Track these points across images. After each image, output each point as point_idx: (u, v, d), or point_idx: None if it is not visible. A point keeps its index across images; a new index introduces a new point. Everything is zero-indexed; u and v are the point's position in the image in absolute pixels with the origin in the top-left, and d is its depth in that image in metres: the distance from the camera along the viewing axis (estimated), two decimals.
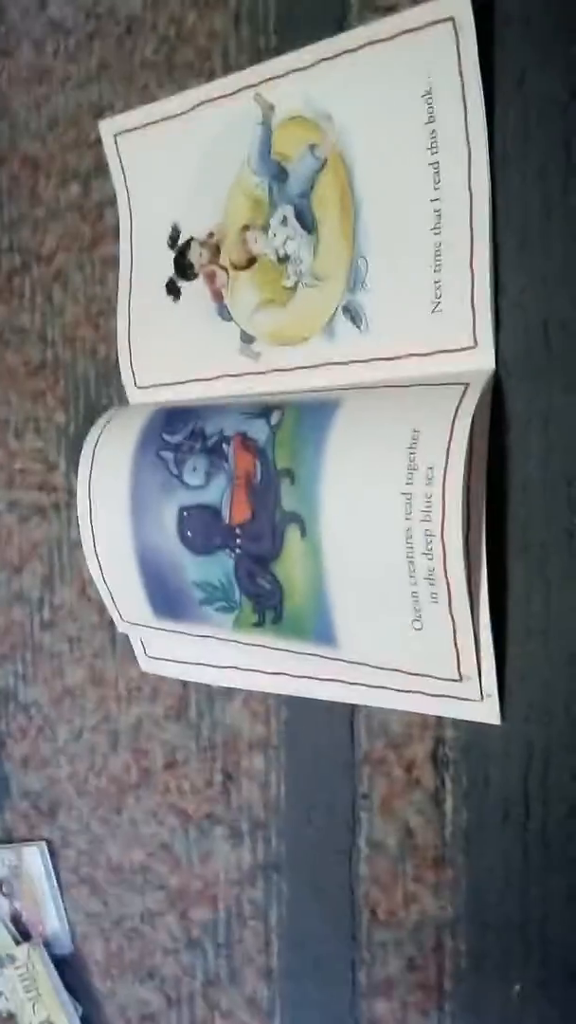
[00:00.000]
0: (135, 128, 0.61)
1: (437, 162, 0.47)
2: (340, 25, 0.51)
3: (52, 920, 0.76)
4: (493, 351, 0.47)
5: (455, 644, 0.47)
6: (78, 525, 0.63)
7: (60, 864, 0.76)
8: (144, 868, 0.69)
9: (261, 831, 0.61)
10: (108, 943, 0.73)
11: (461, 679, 0.48)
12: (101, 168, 0.65)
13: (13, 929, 0.79)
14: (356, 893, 0.56)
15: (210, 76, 0.58)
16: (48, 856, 0.76)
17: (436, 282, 0.48)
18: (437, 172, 0.47)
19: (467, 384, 0.46)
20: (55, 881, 0.76)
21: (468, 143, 0.46)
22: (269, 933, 0.61)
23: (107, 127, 0.63)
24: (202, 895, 0.65)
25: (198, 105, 0.57)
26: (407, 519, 0.45)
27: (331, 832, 0.57)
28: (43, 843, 0.76)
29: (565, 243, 0.44)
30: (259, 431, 0.53)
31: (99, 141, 0.64)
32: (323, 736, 0.57)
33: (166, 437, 0.57)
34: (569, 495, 0.45)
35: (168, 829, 0.66)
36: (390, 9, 0.49)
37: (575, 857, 0.46)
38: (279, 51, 0.54)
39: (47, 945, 0.77)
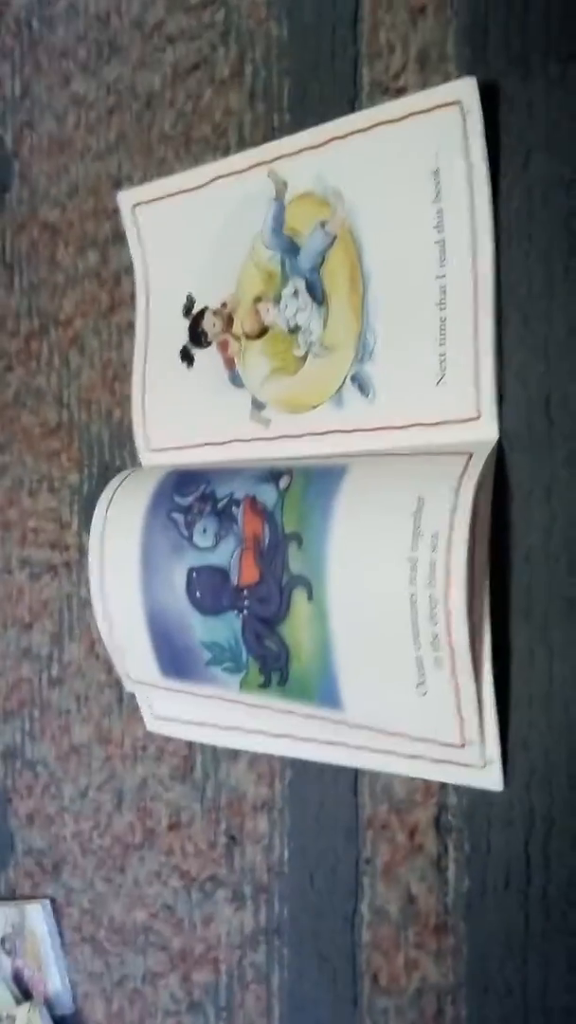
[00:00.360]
0: (153, 200, 0.63)
1: (443, 240, 0.49)
2: (352, 105, 0.53)
3: (54, 979, 0.76)
4: (496, 422, 0.48)
5: (458, 709, 0.47)
6: (88, 584, 0.63)
7: (63, 922, 0.76)
8: (147, 929, 0.68)
9: (264, 894, 0.61)
10: (109, 1004, 0.73)
11: (464, 745, 0.48)
12: (119, 237, 0.67)
13: (15, 988, 0.78)
14: (358, 959, 0.56)
15: (226, 151, 0.60)
16: (52, 914, 0.76)
17: (441, 355, 0.49)
18: (443, 249, 0.49)
19: (471, 454, 0.47)
20: (58, 940, 0.75)
21: (473, 222, 0.47)
22: (271, 997, 0.61)
23: (125, 198, 0.65)
24: (204, 957, 0.65)
25: (214, 180, 0.59)
26: (412, 584, 0.46)
27: (333, 897, 0.57)
28: (47, 901, 0.76)
29: (566, 320, 0.46)
30: (268, 495, 0.54)
31: (117, 211, 0.66)
32: (327, 799, 0.57)
33: (177, 499, 0.58)
34: (571, 564, 0.46)
35: (171, 890, 0.66)
36: (400, 91, 0.51)
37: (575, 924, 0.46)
38: (292, 129, 0.56)
39: (48, 1005, 0.76)
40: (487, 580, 0.47)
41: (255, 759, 0.61)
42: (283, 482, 0.54)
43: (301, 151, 0.54)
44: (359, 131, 0.52)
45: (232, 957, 0.63)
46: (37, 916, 0.76)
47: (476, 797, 0.50)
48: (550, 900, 0.47)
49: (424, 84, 0.50)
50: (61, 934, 0.76)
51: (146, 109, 0.65)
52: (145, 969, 0.69)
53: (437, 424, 0.50)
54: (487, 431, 0.48)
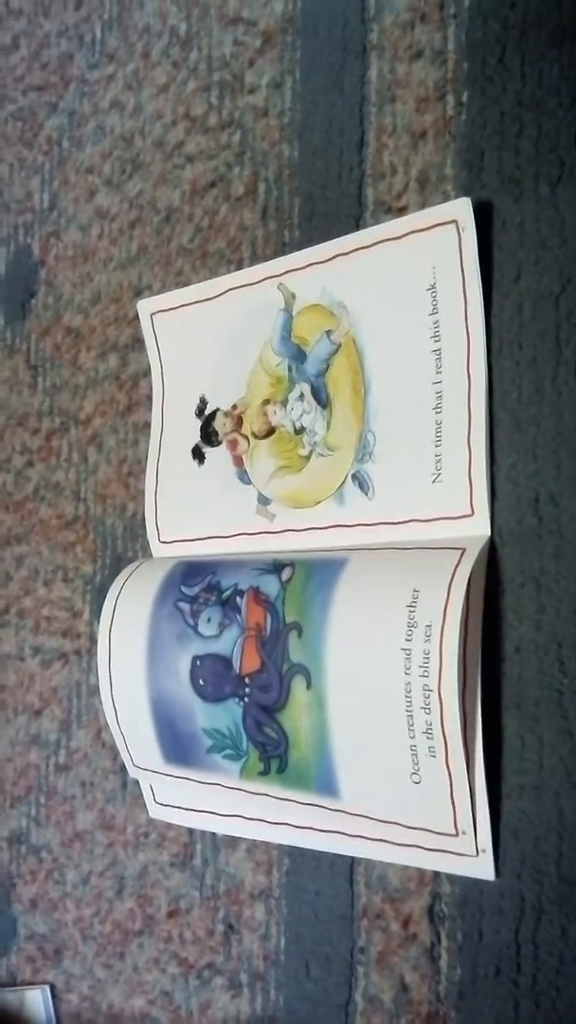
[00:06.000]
0: (170, 308, 0.67)
1: (439, 349, 0.52)
2: (357, 223, 0.57)
3: None
4: (489, 519, 0.50)
5: (452, 798, 0.48)
6: (97, 671, 0.65)
7: (62, 1009, 0.75)
8: (144, 1016, 0.68)
9: (260, 982, 0.61)
10: None
11: (457, 834, 0.49)
12: (138, 342, 0.70)
13: None
14: None
15: (239, 264, 0.63)
16: (51, 1000, 0.75)
17: (437, 455, 0.52)
18: (439, 358, 0.52)
19: (464, 549, 0.49)
20: None
21: (467, 332, 0.50)
22: None
23: (144, 306, 0.68)
24: None
25: (227, 291, 0.63)
26: (406, 674, 0.48)
27: (329, 985, 0.57)
28: (47, 987, 0.76)
29: (554, 424, 0.48)
30: (271, 586, 0.56)
31: (137, 318, 0.69)
32: (323, 888, 0.58)
33: (184, 589, 0.61)
34: (560, 656, 0.48)
35: (169, 977, 0.67)
36: (402, 210, 0.55)
37: (564, 1013, 0.47)
38: (301, 244, 0.59)
39: None
40: (479, 671, 0.49)
41: (254, 847, 0.62)
42: (285, 574, 0.56)
43: (309, 265, 0.58)
44: (363, 248, 0.55)
45: None
46: (36, 1002, 0.76)
47: (469, 886, 0.51)
48: (540, 989, 0.48)
49: (424, 203, 0.54)
50: (59, 1021, 0.75)
51: (165, 223, 0.69)
52: None
53: (432, 520, 0.52)
54: (480, 527, 0.50)
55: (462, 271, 0.50)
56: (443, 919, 0.52)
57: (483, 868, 0.50)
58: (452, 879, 0.52)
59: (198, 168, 0.67)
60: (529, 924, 0.49)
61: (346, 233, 0.56)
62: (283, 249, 0.61)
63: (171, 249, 0.68)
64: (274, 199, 0.62)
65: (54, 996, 0.76)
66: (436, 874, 0.53)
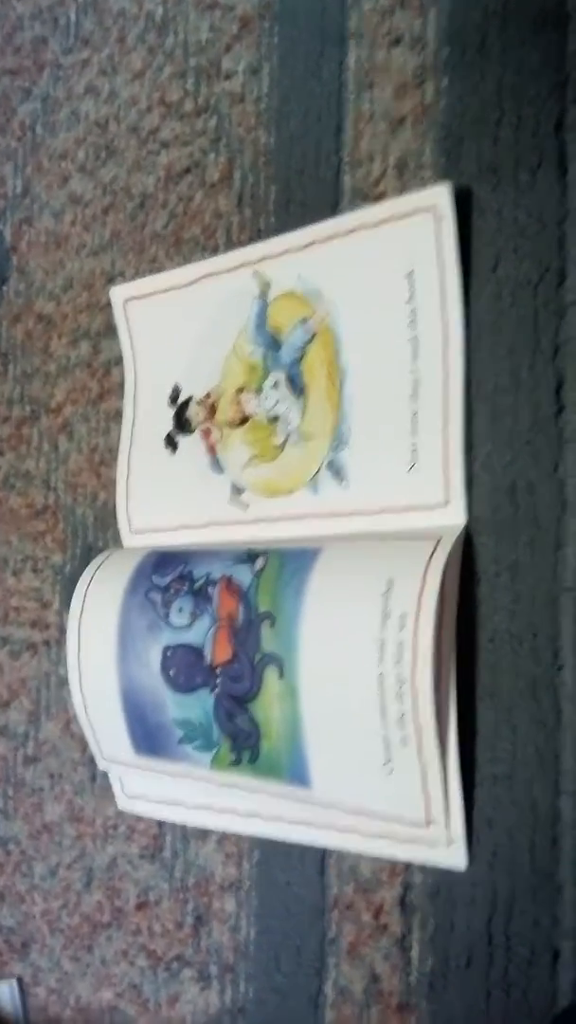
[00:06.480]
0: (143, 295, 0.66)
1: (416, 336, 0.51)
2: (333, 209, 0.57)
3: None
4: (464, 508, 0.50)
5: (424, 788, 0.48)
6: (67, 662, 0.64)
7: (29, 1002, 0.75)
8: (112, 1009, 0.68)
9: (229, 974, 0.61)
10: None
11: (429, 824, 0.49)
12: (110, 330, 0.69)
13: None
14: None
15: (214, 251, 0.63)
16: (18, 994, 0.75)
17: (412, 444, 0.51)
18: (416, 346, 0.51)
19: (440, 538, 0.49)
20: (23, 1021, 0.74)
21: (445, 320, 0.50)
22: None
23: (117, 293, 0.68)
24: None
25: (202, 278, 0.62)
26: (380, 664, 0.47)
27: (298, 977, 0.57)
28: (14, 980, 0.75)
29: (531, 412, 0.48)
30: (243, 575, 0.55)
31: (109, 305, 0.69)
32: (294, 879, 0.57)
33: (155, 579, 0.60)
34: (534, 645, 0.48)
35: (138, 969, 0.66)
36: (380, 196, 0.55)
37: (535, 1003, 0.47)
38: (277, 231, 0.59)
39: None
40: (454, 660, 0.48)
41: (224, 839, 0.61)
42: (259, 563, 0.55)
43: (285, 252, 0.57)
44: (340, 234, 0.55)
45: None
46: (4, 996, 0.75)
47: (440, 876, 0.51)
48: (511, 980, 0.48)
49: (403, 190, 0.53)
50: (27, 1015, 0.75)
51: (140, 209, 0.68)
52: None
53: (407, 509, 0.52)
54: (455, 516, 0.50)
55: (440, 258, 0.50)
56: (414, 909, 0.52)
57: (455, 858, 0.50)
58: (424, 869, 0.52)
59: (173, 154, 0.66)
60: (501, 915, 0.48)
61: (323, 221, 0.56)
62: (259, 236, 0.60)
63: (145, 236, 0.68)
64: (250, 185, 0.61)
65: (21, 989, 0.75)
66: (408, 865, 0.52)
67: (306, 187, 0.58)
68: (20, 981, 0.75)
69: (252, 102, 0.61)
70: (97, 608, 0.63)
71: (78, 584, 0.65)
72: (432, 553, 0.48)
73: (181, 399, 0.64)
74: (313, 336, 0.56)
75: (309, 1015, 0.56)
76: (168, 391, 0.65)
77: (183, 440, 0.64)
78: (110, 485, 0.69)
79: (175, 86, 0.66)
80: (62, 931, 0.72)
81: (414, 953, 0.52)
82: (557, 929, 0.47)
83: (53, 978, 0.73)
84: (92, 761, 0.67)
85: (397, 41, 0.54)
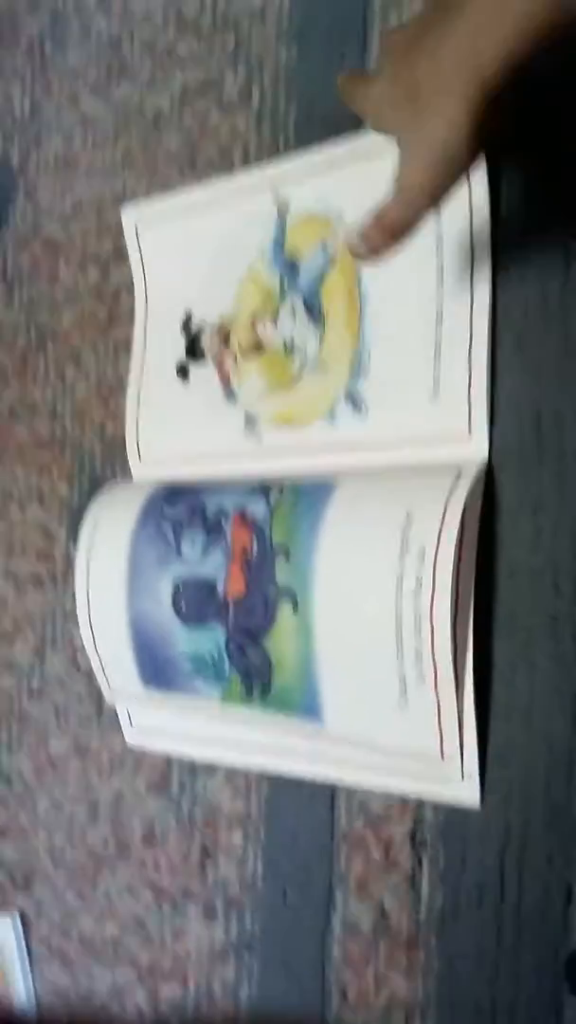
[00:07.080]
0: (155, 217, 0.64)
1: (442, 262, 0.50)
2: (356, 127, 0.54)
3: (19, 993, 0.74)
4: (487, 441, 0.49)
5: (439, 724, 0.47)
6: (73, 595, 0.64)
7: (32, 936, 0.75)
8: (116, 943, 0.68)
9: (236, 909, 0.61)
10: (73, 1019, 0.72)
11: (443, 759, 0.48)
12: (120, 254, 0.67)
13: None
14: (327, 974, 0.56)
15: (230, 172, 0.61)
16: (20, 927, 0.75)
17: (435, 373, 0.50)
18: (441, 272, 0.50)
19: (460, 471, 0.48)
20: (25, 953, 0.75)
21: (472, 246, 0.49)
22: (238, 1012, 0.61)
23: (129, 215, 0.66)
24: (172, 972, 0.64)
25: (217, 198, 0.60)
26: (397, 598, 0.46)
27: (306, 912, 0.57)
28: (16, 914, 0.75)
29: (560, 341, 0.47)
30: (258, 508, 0.54)
31: (120, 229, 0.67)
32: (303, 814, 0.57)
33: (167, 511, 0.59)
34: (555, 581, 0.47)
35: (143, 904, 0.66)
36: None
37: (548, 939, 0.47)
38: (297, 150, 0.57)
39: (11, 1018, 0.75)
40: (472, 596, 0.48)
41: (232, 773, 0.61)
42: (273, 496, 0.54)
43: (305, 173, 0.56)
44: (363, 155, 0.53)
45: (201, 972, 0.63)
46: (6, 929, 0.75)
47: (452, 813, 0.50)
48: (523, 917, 0.48)
49: None
50: (29, 948, 0.75)
51: (153, 129, 0.66)
52: (112, 983, 0.69)
53: (428, 441, 0.51)
54: (477, 449, 0.49)
55: (468, 180, 0.48)
56: (425, 846, 0.52)
57: (468, 794, 0.49)
58: (436, 806, 0.51)
59: (189, 72, 0.64)
60: (514, 851, 0.48)
61: (346, 140, 0.54)
62: (278, 155, 0.58)
63: (158, 157, 0.66)
64: (269, 104, 0.59)
65: (24, 924, 0.75)
66: (419, 801, 0.52)
67: (328, 105, 0.56)
68: (23, 915, 0.75)
69: (273, 18, 0.59)
70: (106, 541, 0.62)
71: (86, 516, 0.64)
72: (453, 486, 0.47)
73: (194, 326, 0.62)
74: (333, 260, 0.54)
75: (316, 950, 0.56)
76: (180, 317, 0.63)
77: (195, 369, 0.62)
78: (119, 415, 0.67)
79: (191, 1, 0.63)
80: (66, 865, 0.72)
81: (424, 889, 0.52)
82: (571, 866, 0.46)
83: (56, 912, 0.73)
84: (98, 695, 0.67)
85: None
